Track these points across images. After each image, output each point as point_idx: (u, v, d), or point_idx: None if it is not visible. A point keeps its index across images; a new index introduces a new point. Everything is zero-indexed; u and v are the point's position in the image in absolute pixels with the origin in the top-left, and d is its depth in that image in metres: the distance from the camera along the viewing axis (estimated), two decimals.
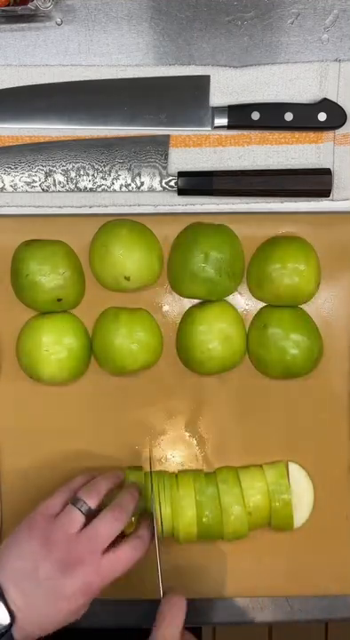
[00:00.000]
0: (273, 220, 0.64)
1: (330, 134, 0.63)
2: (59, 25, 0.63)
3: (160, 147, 0.63)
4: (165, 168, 0.63)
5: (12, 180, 0.63)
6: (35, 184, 0.63)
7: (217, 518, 0.61)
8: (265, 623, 0.66)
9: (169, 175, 0.63)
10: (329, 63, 0.62)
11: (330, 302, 0.64)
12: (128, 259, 0.60)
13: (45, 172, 0.63)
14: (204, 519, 0.61)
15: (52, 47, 0.63)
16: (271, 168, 0.63)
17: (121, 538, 0.54)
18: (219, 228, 0.62)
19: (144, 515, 0.59)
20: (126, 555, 0.53)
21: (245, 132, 0.62)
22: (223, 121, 0.61)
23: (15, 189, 0.63)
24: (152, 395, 0.65)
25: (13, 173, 0.63)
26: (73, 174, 0.63)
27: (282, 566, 0.64)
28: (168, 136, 0.63)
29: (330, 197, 0.63)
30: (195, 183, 0.62)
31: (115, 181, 0.63)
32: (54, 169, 0.63)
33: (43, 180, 0.63)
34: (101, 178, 0.63)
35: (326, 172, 0.62)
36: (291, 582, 0.64)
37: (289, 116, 0.61)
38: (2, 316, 0.64)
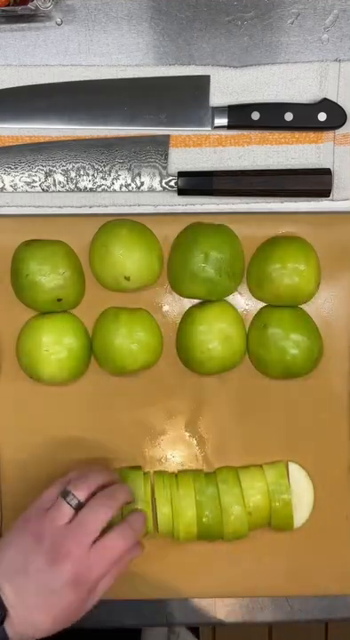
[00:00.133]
0: (273, 220, 0.64)
1: (330, 134, 0.63)
2: (59, 25, 0.63)
3: (160, 147, 0.63)
4: (165, 168, 0.63)
5: (12, 180, 0.63)
6: (35, 184, 0.63)
7: (217, 518, 0.61)
8: (265, 623, 0.66)
9: (169, 175, 0.63)
10: (329, 63, 0.62)
11: (330, 302, 0.64)
12: (128, 259, 0.60)
13: (45, 172, 0.63)
14: (204, 519, 0.61)
15: (52, 47, 0.63)
16: (271, 168, 0.63)
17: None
18: (219, 228, 0.62)
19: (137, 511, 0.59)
20: (114, 543, 0.52)
21: (245, 132, 0.62)
22: (223, 121, 0.61)
23: (15, 189, 0.63)
24: (152, 395, 0.65)
25: (13, 173, 0.63)
26: (73, 174, 0.63)
27: (282, 566, 0.64)
28: (168, 136, 0.63)
29: (330, 197, 0.63)
30: (195, 183, 0.62)
31: (115, 181, 0.63)
32: (54, 169, 0.63)
33: (43, 180, 0.63)
34: (101, 178, 0.63)
35: (326, 172, 0.62)
36: (291, 582, 0.64)
37: (289, 116, 0.61)
38: (2, 316, 0.64)
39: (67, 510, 0.52)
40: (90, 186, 0.63)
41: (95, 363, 0.64)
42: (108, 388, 0.64)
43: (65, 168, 0.63)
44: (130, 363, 0.61)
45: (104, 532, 0.52)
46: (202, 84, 0.62)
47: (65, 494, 0.53)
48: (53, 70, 0.62)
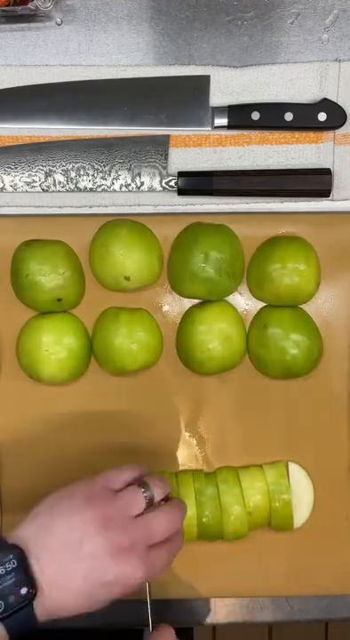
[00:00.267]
0: (273, 220, 0.64)
1: (330, 134, 0.63)
2: (59, 25, 0.63)
3: (160, 147, 0.63)
4: (165, 168, 0.63)
5: (12, 180, 0.63)
6: (35, 184, 0.63)
7: (217, 518, 0.61)
8: (265, 623, 0.66)
9: (169, 175, 0.63)
10: (329, 63, 0.62)
11: (330, 302, 0.64)
12: (128, 259, 0.60)
13: (45, 172, 0.63)
14: (204, 519, 0.61)
15: (52, 47, 0.63)
16: (271, 168, 0.63)
17: None
18: (219, 228, 0.62)
19: None
20: (167, 555, 0.50)
21: (245, 132, 0.62)
22: (223, 121, 0.61)
23: (15, 189, 0.63)
24: (152, 395, 0.65)
25: (13, 173, 0.63)
26: (73, 174, 0.63)
27: (282, 566, 0.64)
28: (168, 136, 0.63)
29: (330, 197, 0.63)
30: (195, 183, 0.62)
31: (115, 181, 0.63)
32: (54, 169, 0.63)
33: (43, 179, 0.63)
34: (101, 178, 0.63)
35: (326, 172, 0.62)
36: (291, 582, 0.64)
37: (289, 116, 0.61)
38: (2, 316, 0.64)
39: (141, 501, 0.49)
40: (90, 186, 0.63)
41: (95, 363, 0.64)
42: (108, 388, 0.64)
43: (65, 168, 0.63)
44: (130, 363, 0.61)
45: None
46: (202, 84, 0.62)
47: (144, 485, 0.50)
48: (53, 70, 0.62)
